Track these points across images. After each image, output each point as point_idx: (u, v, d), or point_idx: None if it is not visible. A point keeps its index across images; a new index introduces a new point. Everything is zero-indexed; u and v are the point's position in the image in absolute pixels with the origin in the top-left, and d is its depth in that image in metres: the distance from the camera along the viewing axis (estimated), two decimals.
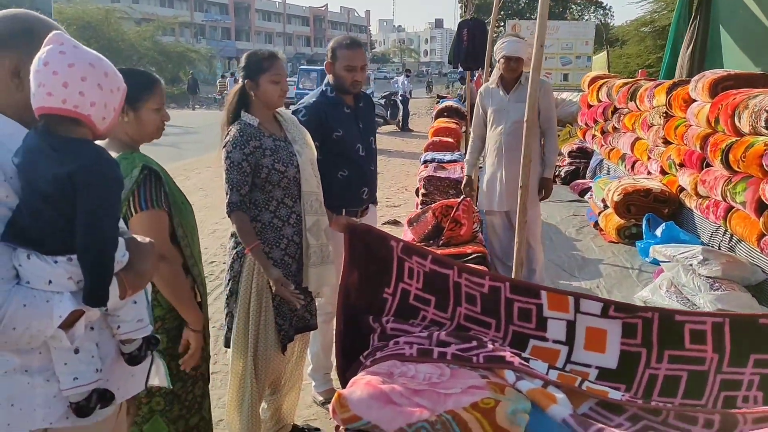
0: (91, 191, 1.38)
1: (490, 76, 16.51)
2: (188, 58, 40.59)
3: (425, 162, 7.64)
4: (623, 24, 28.20)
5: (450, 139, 9.19)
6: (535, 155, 4.50)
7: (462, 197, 4.55)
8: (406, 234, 4.78)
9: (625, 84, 7.93)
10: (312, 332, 3.11)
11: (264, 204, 2.73)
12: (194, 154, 13.82)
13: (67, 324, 1.39)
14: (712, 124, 5.04)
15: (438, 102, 15.93)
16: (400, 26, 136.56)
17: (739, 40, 8.17)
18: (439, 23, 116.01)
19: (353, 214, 3.33)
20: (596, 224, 6.37)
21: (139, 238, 1.58)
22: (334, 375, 3.62)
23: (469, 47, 9.89)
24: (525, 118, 3.15)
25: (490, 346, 2.34)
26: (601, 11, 45.50)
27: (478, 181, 4.89)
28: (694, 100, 5.59)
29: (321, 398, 3.50)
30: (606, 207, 6.20)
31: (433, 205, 4.64)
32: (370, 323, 2.66)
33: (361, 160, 3.32)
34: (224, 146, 2.68)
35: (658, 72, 17.45)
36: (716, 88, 5.17)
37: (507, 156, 4.46)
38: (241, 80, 2.76)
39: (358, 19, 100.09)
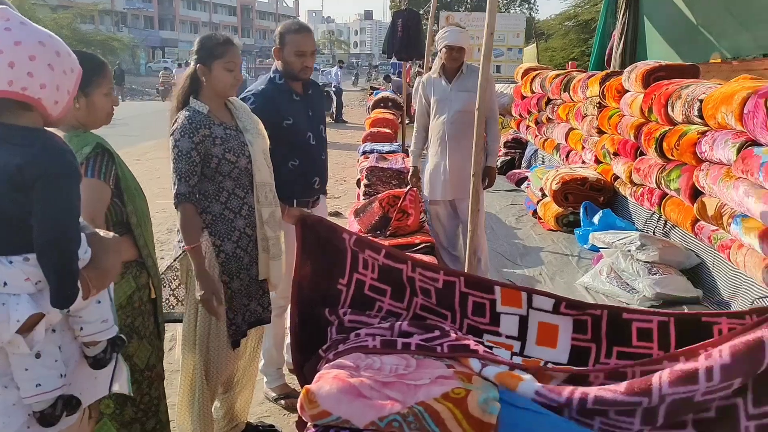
0: (46, 185, 1.27)
1: (427, 67, 16.52)
2: (110, 47, 39.05)
3: (364, 153, 7.60)
4: (548, 18, 28.99)
5: (388, 130, 9.19)
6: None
7: (409, 187, 4.53)
8: (351, 225, 4.73)
9: (558, 75, 8.11)
10: (265, 327, 3.02)
11: (214, 195, 2.62)
12: (121, 146, 13.30)
13: (26, 328, 1.27)
14: (646, 114, 5.20)
15: (371, 93, 15.90)
16: (329, 17, 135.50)
17: (665, 33, 8.50)
18: (368, 15, 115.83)
19: (305, 204, 3.26)
20: (535, 213, 6.50)
21: (101, 232, 1.47)
22: (286, 371, 3.54)
23: (403, 38, 9.90)
24: (476, 107, 3.15)
25: (453, 335, 2.32)
26: (527, 5, 46.64)
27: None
28: (627, 91, 5.76)
29: (274, 394, 3.42)
30: (544, 196, 6.33)
31: (379, 196, 4.60)
32: (326, 316, 2.61)
33: (312, 149, 3.24)
34: (172, 134, 2.55)
35: (582, 64, 18.04)
36: (649, 79, 5.34)
37: (451, 145, 4.47)
38: (192, 65, 2.63)
39: (286, 10, 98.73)
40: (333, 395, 1.92)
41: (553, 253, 5.44)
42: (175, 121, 2.57)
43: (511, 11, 42.60)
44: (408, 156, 7.18)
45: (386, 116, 10.11)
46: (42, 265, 1.28)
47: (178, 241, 2.66)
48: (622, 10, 8.95)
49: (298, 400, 1.92)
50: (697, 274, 4.45)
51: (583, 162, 6.78)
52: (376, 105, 10.97)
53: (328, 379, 1.99)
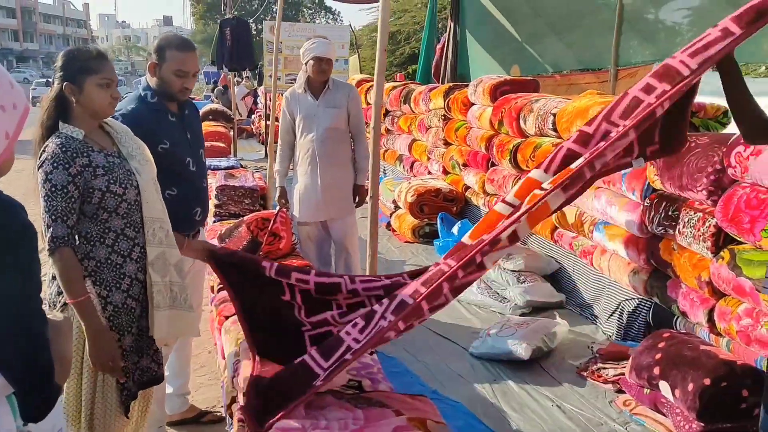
0: None
1: (247, 78, 15.91)
2: None
3: None
4: (355, 29, 29.69)
5: (222, 144, 8.74)
6: (347, 161, 4.40)
7: (278, 209, 4.26)
8: None
9: (396, 87, 8.22)
10: None
11: (98, 237, 2.20)
12: None
13: None
14: (496, 126, 5.40)
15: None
16: (124, 22, 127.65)
17: (489, 48, 8.98)
18: (168, 21, 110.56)
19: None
20: (389, 225, 6.49)
21: (50, 314, 1.10)
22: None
23: (233, 48, 9.51)
24: (372, 124, 3.01)
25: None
26: (331, 15, 47.71)
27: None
28: (474, 104, 5.95)
29: None
30: (397, 208, 6.34)
31: (246, 219, 4.27)
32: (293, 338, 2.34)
33: (192, 176, 2.89)
34: (41, 166, 2.10)
35: (391, 75, 18.69)
36: (496, 93, 5.55)
37: (322, 164, 4.27)
38: (57, 84, 2.19)
39: (75, 13, 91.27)
40: None
41: (416, 266, 5.42)
42: (43, 150, 2.12)
43: (317, 21, 43.29)
44: (252, 171, 6.85)
45: (218, 129, 9.61)
46: (2, 360, 0.90)
47: (54, 294, 2.20)
48: (449, 26, 9.32)
49: None
50: (557, 279, 4.67)
51: (429, 173, 6.92)
52: (204, 117, 10.39)
53: None
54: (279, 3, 5.96)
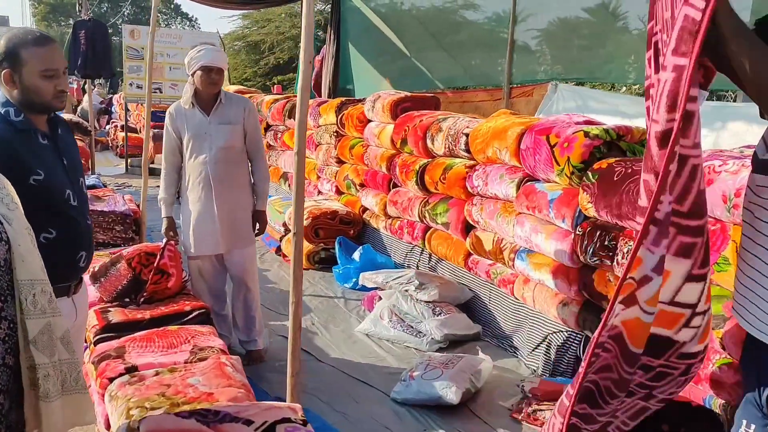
0: None
1: (99, 85, 14.66)
2: None
3: None
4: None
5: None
6: (245, 185, 3.90)
7: (165, 241, 3.65)
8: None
9: (278, 100, 7.72)
10: None
11: None
12: None
13: None
14: (398, 145, 5.09)
15: None
16: None
17: (371, 59, 8.74)
18: (3, 21, 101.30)
19: (65, 290, 2.27)
20: (278, 250, 5.97)
21: None
22: None
23: (88, 52, 8.56)
24: (295, 149, 2.55)
25: None
26: (188, 22, 45.92)
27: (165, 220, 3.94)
28: (371, 120, 5.62)
29: None
30: (288, 231, 5.85)
31: (125, 253, 3.61)
32: None
33: (73, 212, 2.28)
34: None
35: (256, 84, 18.09)
36: (396, 109, 5.24)
37: (217, 188, 3.72)
38: None
39: None
40: None
41: (315, 297, 4.99)
42: None
43: (172, 27, 41.41)
44: (121, 194, 6.07)
45: None
46: None
47: None
48: (329, 38, 8.98)
49: None
50: (470, 308, 4.41)
51: (320, 192, 6.49)
52: None
53: None
54: (153, 6, 5.27)
